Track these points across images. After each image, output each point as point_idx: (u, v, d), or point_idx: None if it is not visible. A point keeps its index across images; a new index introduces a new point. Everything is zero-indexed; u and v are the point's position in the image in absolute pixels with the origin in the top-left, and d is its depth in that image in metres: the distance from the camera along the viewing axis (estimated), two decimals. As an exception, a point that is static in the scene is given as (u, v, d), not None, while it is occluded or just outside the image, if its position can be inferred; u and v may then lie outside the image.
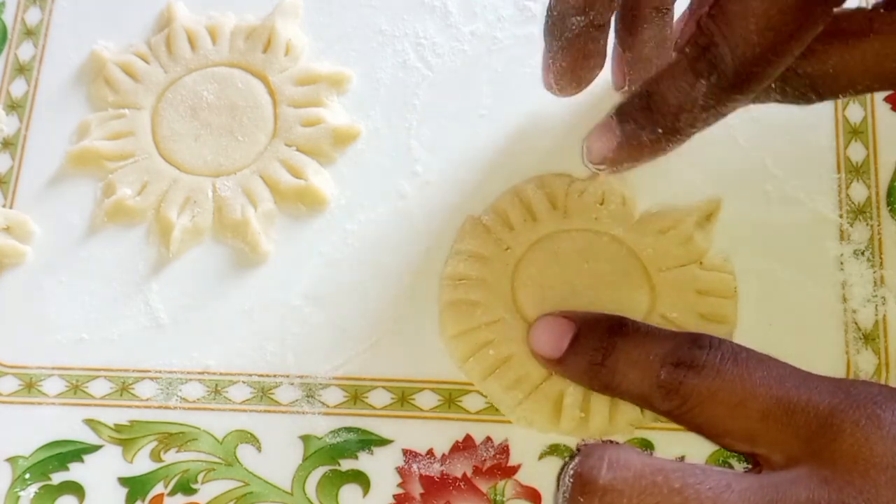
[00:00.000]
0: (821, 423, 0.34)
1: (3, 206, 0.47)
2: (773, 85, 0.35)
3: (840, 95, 0.36)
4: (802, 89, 0.35)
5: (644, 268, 0.43)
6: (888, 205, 0.44)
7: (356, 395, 0.43)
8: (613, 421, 0.40)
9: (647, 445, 0.41)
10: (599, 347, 0.38)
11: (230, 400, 0.43)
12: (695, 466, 0.35)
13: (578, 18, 0.37)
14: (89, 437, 0.43)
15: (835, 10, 0.33)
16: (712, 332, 0.39)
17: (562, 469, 0.37)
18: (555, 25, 0.38)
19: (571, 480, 0.35)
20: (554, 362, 0.40)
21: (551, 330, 0.40)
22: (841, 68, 0.34)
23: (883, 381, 0.41)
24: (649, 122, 0.36)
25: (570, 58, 0.39)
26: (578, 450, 0.41)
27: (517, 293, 0.43)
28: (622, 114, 0.36)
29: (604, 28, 0.38)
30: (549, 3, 0.38)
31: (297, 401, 0.43)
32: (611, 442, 0.39)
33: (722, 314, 0.42)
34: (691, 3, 0.42)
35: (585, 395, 0.41)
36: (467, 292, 0.43)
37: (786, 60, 0.34)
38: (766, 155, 0.45)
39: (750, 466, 0.39)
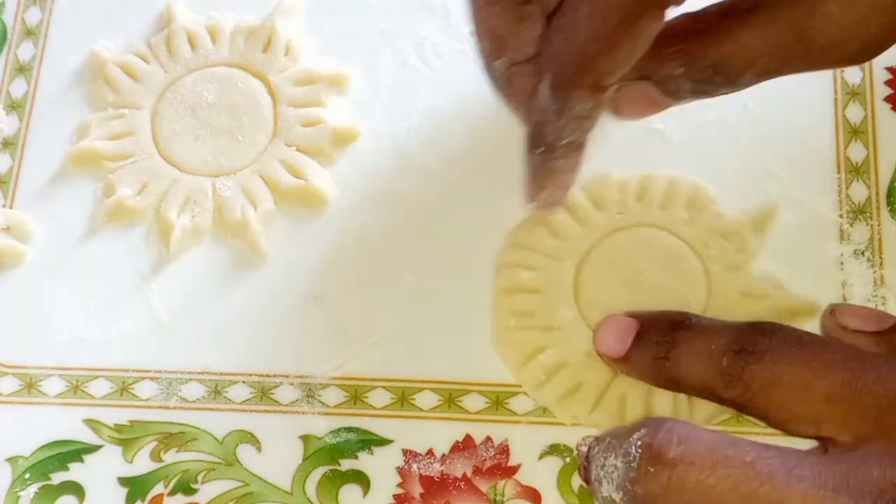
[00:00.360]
0: (890, 402, 0.34)
1: (3, 206, 0.47)
2: (680, 71, 0.35)
3: (745, 78, 0.35)
4: (707, 73, 0.35)
5: (706, 270, 0.42)
6: (888, 205, 0.44)
7: (356, 395, 0.43)
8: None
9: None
10: (662, 342, 0.38)
11: (230, 400, 0.43)
12: (764, 443, 0.34)
13: (499, 62, 0.36)
14: (89, 437, 0.43)
15: None
16: None
17: (602, 444, 0.36)
18: (489, 78, 0.37)
19: (640, 451, 0.35)
20: (619, 361, 0.40)
21: (615, 329, 0.40)
22: (736, 47, 0.34)
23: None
24: (532, 147, 0.36)
25: (515, 101, 0.37)
26: (577, 449, 0.41)
27: (579, 291, 0.42)
28: (526, 147, 0.37)
29: (531, 62, 0.36)
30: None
31: (297, 401, 0.43)
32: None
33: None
34: None
35: (648, 398, 0.40)
36: (525, 293, 0.43)
37: (621, 55, 0.33)
38: (766, 155, 0.45)
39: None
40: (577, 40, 0.33)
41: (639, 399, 0.40)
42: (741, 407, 0.37)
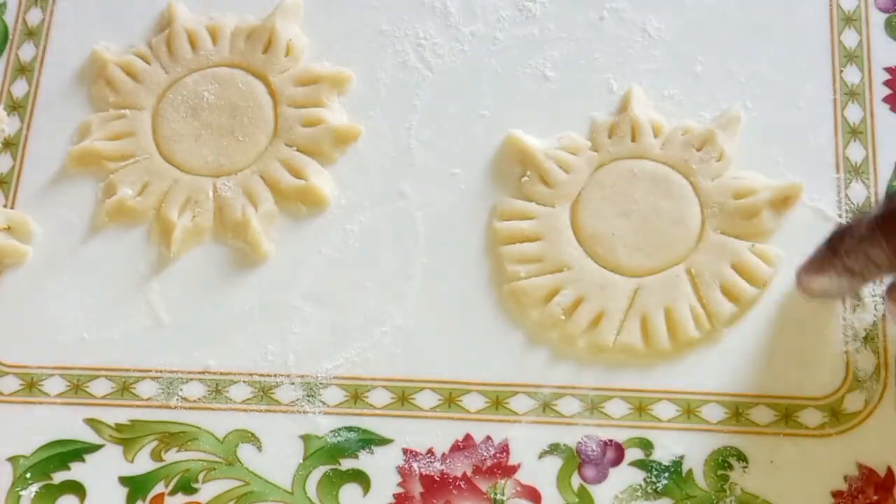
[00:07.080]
0: None
1: (4, 205, 0.47)
2: None
3: None
4: None
5: (693, 185, 0.44)
6: (888, 205, 0.44)
7: (356, 394, 0.43)
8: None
9: (646, 445, 0.41)
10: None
11: (231, 399, 0.43)
12: None
13: None
14: (90, 436, 0.43)
15: None
16: (727, 309, 0.41)
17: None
18: None
19: None
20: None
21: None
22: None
23: (881, 381, 0.41)
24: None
25: None
26: (587, 446, 0.41)
27: (579, 230, 0.44)
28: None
29: None
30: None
31: (297, 400, 0.43)
32: None
33: (745, 298, 0.42)
34: None
35: (669, 317, 0.42)
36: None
37: None
38: (766, 155, 0.45)
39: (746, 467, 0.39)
40: None
41: (660, 318, 0.42)
42: None
